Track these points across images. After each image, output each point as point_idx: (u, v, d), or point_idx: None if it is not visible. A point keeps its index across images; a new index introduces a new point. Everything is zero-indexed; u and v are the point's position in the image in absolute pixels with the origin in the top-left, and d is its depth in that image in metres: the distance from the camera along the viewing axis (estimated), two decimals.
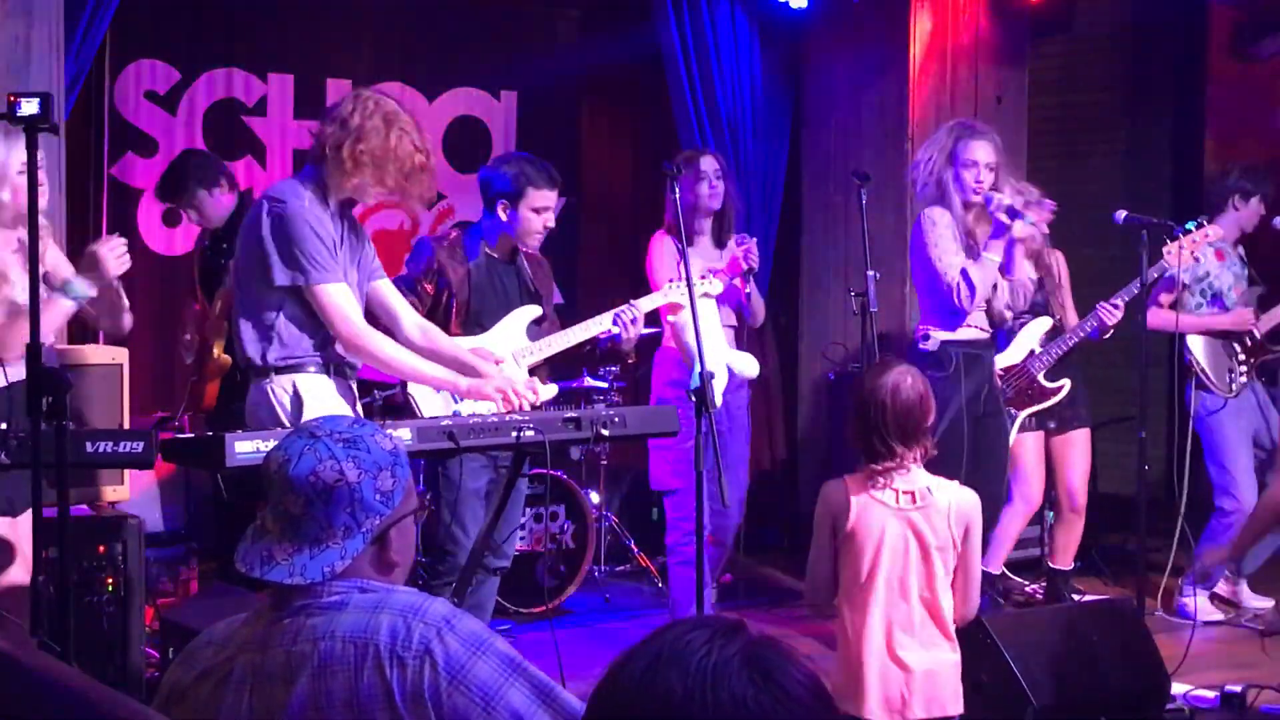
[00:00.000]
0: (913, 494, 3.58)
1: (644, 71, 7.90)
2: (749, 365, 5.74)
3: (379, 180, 4.15)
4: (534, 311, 5.10)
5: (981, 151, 5.57)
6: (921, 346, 5.68)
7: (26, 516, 4.03)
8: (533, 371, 5.02)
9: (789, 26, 7.67)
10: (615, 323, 5.14)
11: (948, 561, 3.59)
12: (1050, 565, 6.42)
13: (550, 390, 5.10)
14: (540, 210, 5.00)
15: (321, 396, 4.19)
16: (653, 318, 5.60)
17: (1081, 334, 6.08)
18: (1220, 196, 6.52)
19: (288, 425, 4.08)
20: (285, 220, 4.15)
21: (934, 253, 5.55)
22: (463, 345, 4.81)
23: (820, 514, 3.66)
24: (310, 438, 2.27)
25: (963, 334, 5.68)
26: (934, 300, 5.67)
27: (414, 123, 4.23)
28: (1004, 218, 5.51)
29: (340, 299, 4.16)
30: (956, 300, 5.53)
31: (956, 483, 3.69)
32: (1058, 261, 6.29)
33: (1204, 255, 6.22)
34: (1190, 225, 5.90)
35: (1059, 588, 6.34)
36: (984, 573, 6.14)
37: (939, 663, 3.60)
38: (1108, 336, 6.15)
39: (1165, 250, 5.89)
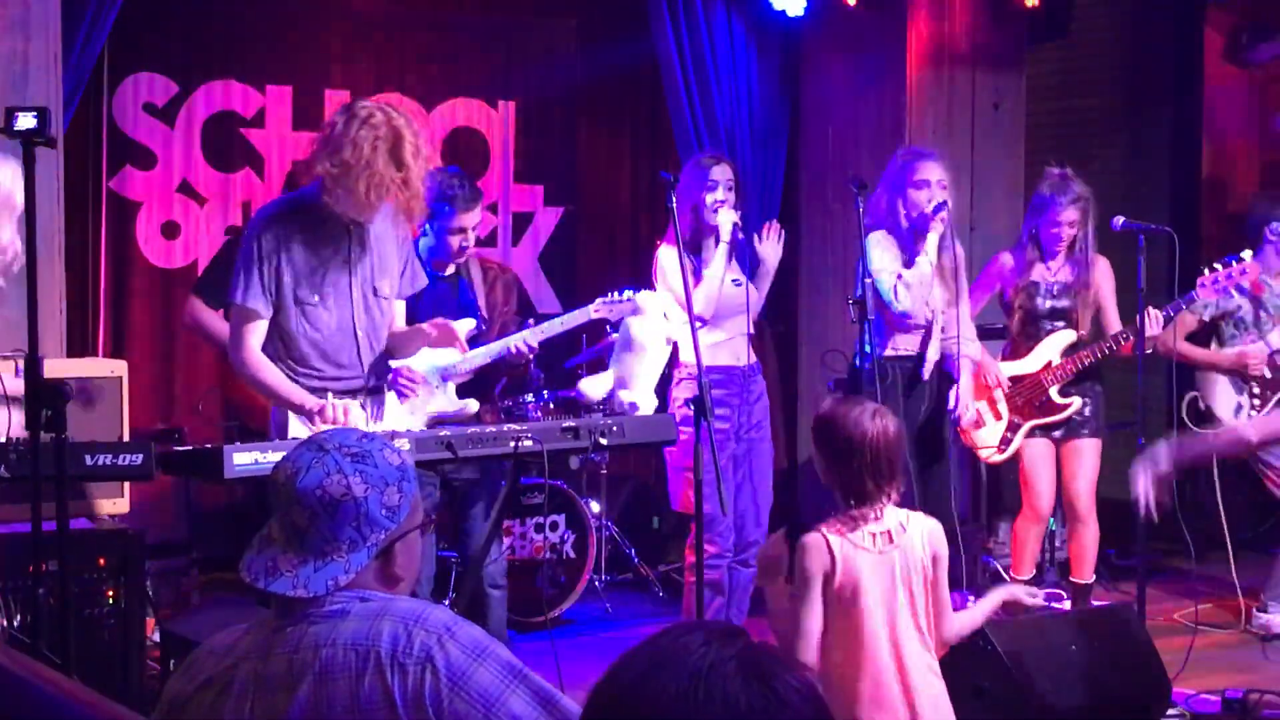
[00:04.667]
0: (888, 534, 3.52)
1: (642, 80, 7.93)
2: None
3: (352, 192, 4.12)
4: (467, 325, 5.09)
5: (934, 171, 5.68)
6: (858, 363, 5.74)
7: None
8: (464, 387, 5.05)
9: (786, 33, 7.69)
10: (508, 354, 5.08)
11: (927, 593, 3.56)
12: (1072, 579, 6.33)
13: (468, 405, 5.10)
14: (455, 231, 5.04)
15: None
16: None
17: (1101, 353, 5.96)
18: (1255, 228, 6.31)
19: (275, 438, 4.15)
20: (243, 238, 4.24)
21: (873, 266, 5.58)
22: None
23: (808, 570, 3.49)
24: (319, 450, 2.28)
25: (899, 349, 5.71)
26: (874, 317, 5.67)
27: (402, 136, 4.14)
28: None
29: (242, 325, 4.23)
30: (895, 301, 5.58)
31: (921, 513, 3.64)
32: (1101, 269, 6.10)
33: (1235, 293, 6.09)
34: (1233, 259, 5.84)
35: (1081, 603, 6.20)
36: (1015, 580, 6.20)
37: (937, 694, 3.56)
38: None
39: (1200, 281, 5.82)
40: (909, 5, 7.37)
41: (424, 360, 4.89)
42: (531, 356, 5.18)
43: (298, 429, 4.23)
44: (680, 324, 5.28)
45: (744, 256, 5.70)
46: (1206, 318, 6.28)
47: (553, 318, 5.34)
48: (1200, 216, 8.15)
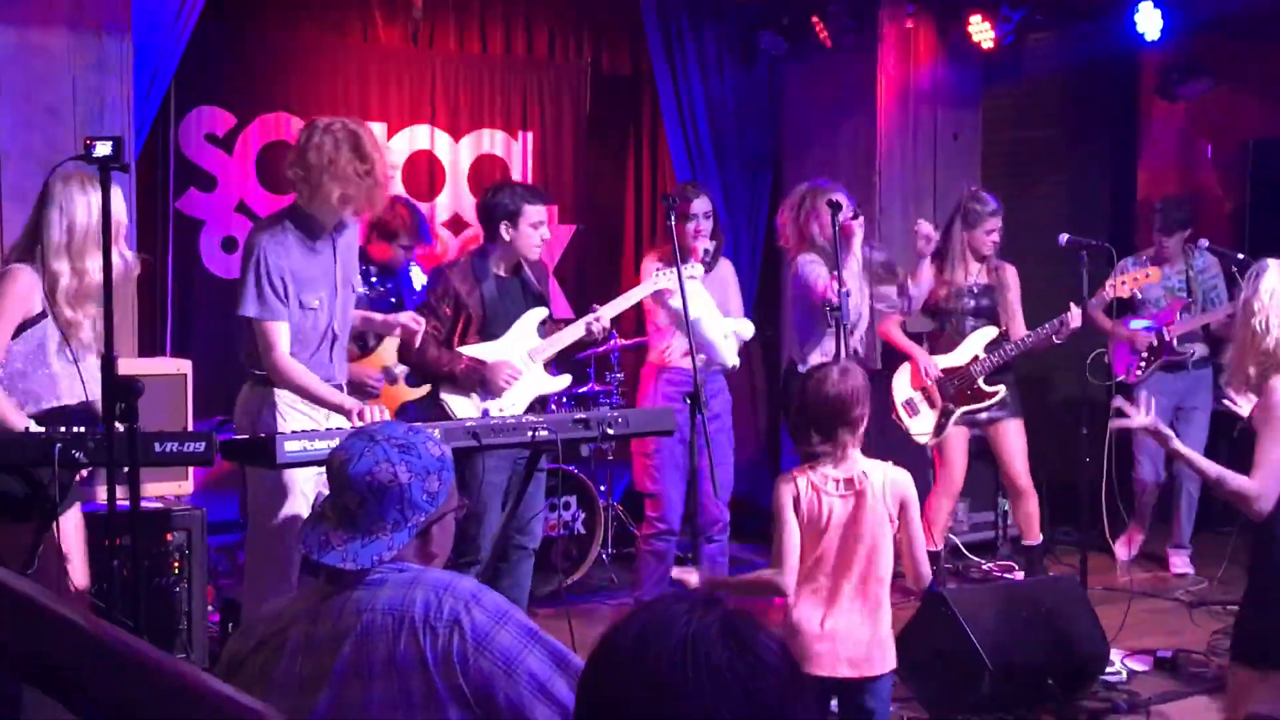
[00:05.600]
0: (851, 479, 3.56)
1: (644, 114, 7.92)
2: (746, 327, 5.66)
3: (324, 192, 4.09)
4: (541, 313, 5.11)
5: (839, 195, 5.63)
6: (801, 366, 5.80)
7: (70, 514, 4.05)
8: (545, 365, 5.08)
9: (772, 73, 7.69)
10: (588, 329, 5.14)
11: (886, 536, 3.57)
12: (1024, 543, 6.36)
13: (564, 380, 5.15)
14: (536, 225, 5.03)
15: (297, 407, 4.20)
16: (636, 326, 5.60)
17: (1024, 346, 5.99)
18: (1160, 224, 6.75)
19: (260, 430, 4.11)
20: (246, 252, 4.20)
21: (815, 282, 5.54)
22: (483, 351, 4.87)
23: (779, 501, 3.59)
24: (370, 440, 2.29)
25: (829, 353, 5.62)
26: (811, 332, 5.69)
27: (359, 134, 4.12)
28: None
29: (271, 333, 4.13)
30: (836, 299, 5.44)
31: (890, 463, 3.67)
32: (1010, 274, 6.22)
33: (1139, 288, 6.37)
34: (1130, 267, 6.39)
35: (1034, 562, 6.28)
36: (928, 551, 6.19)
37: (880, 627, 3.59)
38: (1058, 343, 6.04)
39: (1108, 283, 6.09)
40: (879, 48, 7.37)
41: (515, 350, 4.97)
42: (610, 330, 5.30)
43: (298, 422, 4.18)
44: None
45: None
46: (1126, 294, 6.53)
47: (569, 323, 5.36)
48: (1135, 234, 8.15)
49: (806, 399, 3.59)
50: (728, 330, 5.48)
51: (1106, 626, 4.90)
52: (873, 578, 3.57)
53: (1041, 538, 6.30)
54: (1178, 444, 3.77)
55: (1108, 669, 4.93)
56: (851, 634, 3.55)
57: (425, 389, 5.35)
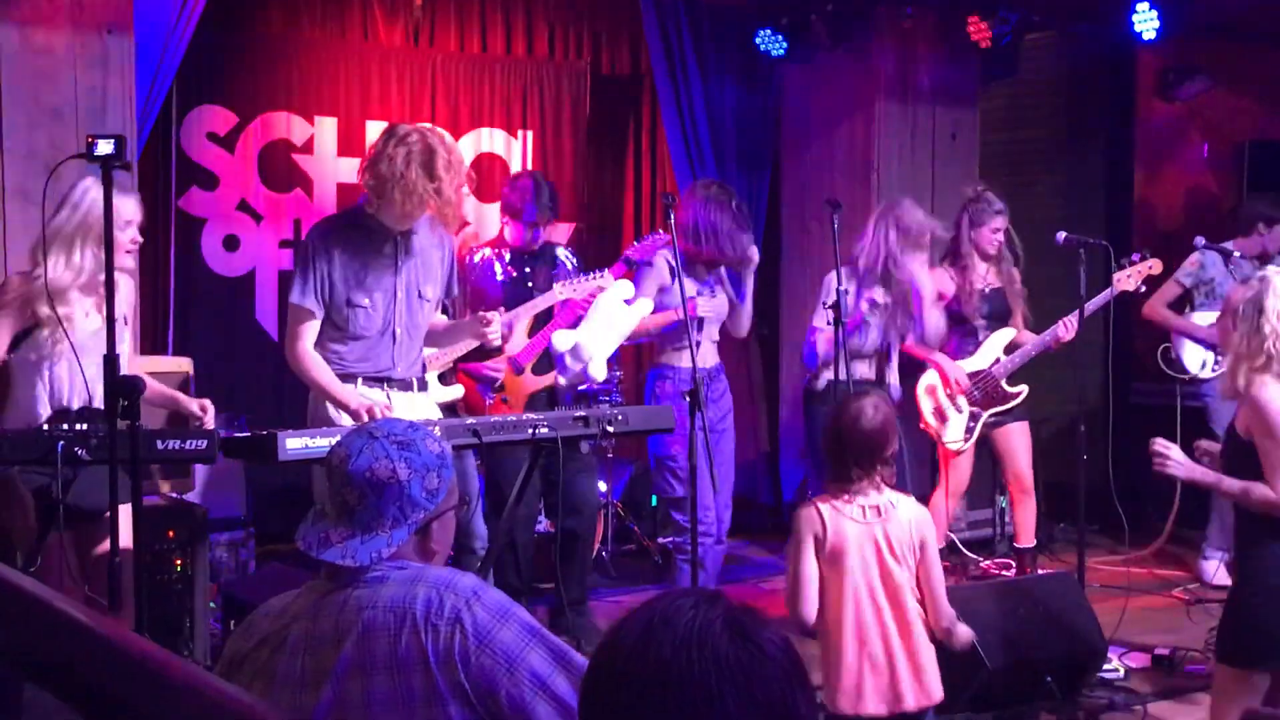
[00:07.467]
0: (878, 508, 3.53)
1: (643, 114, 7.92)
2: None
3: (390, 202, 4.10)
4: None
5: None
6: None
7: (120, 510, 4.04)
8: (443, 376, 5.04)
9: (769, 73, 7.68)
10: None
11: (912, 567, 3.55)
12: (1016, 545, 6.36)
13: (457, 390, 5.07)
14: None
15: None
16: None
17: (1041, 347, 6.00)
18: (1247, 221, 6.64)
19: (317, 422, 4.15)
20: (301, 245, 4.24)
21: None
22: None
23: (800, 534, 3.54)
24: (369, 438, 2.27)
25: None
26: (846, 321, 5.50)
27: (435, 151, 4.09)
28: None
29: (298, 323, 4.19)
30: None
31: (913, 499, 3.65)
32: (1015, 275, 6.21)
33: (1209, 262, 6.31)
34: (1135, 257, 6.10)
35: (1025, 564, 6.29)
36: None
37: (920, 657, 3.54)
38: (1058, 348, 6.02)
39: (1115, 277, 5.93)
40: (876, 48, 7.36)
41: None
42: (502, 341, 5.11)
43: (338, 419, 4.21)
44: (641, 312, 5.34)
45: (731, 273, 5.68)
46: (1188, 284, 6.55)
47: None
48: (1132, 232, 8.15)
49: (848, 429, 3.51)
50: (609, 351, 5.39)
51: (1104, 624, 4.89)
52: (910, 606, 3.53)
53: (1035, 541, 6.30)
54: (1202, 475, 3.79)
55: (1105, 666, 4.93)
56: (905, 664, 3.50)
57: (553, 377, 5.34)
